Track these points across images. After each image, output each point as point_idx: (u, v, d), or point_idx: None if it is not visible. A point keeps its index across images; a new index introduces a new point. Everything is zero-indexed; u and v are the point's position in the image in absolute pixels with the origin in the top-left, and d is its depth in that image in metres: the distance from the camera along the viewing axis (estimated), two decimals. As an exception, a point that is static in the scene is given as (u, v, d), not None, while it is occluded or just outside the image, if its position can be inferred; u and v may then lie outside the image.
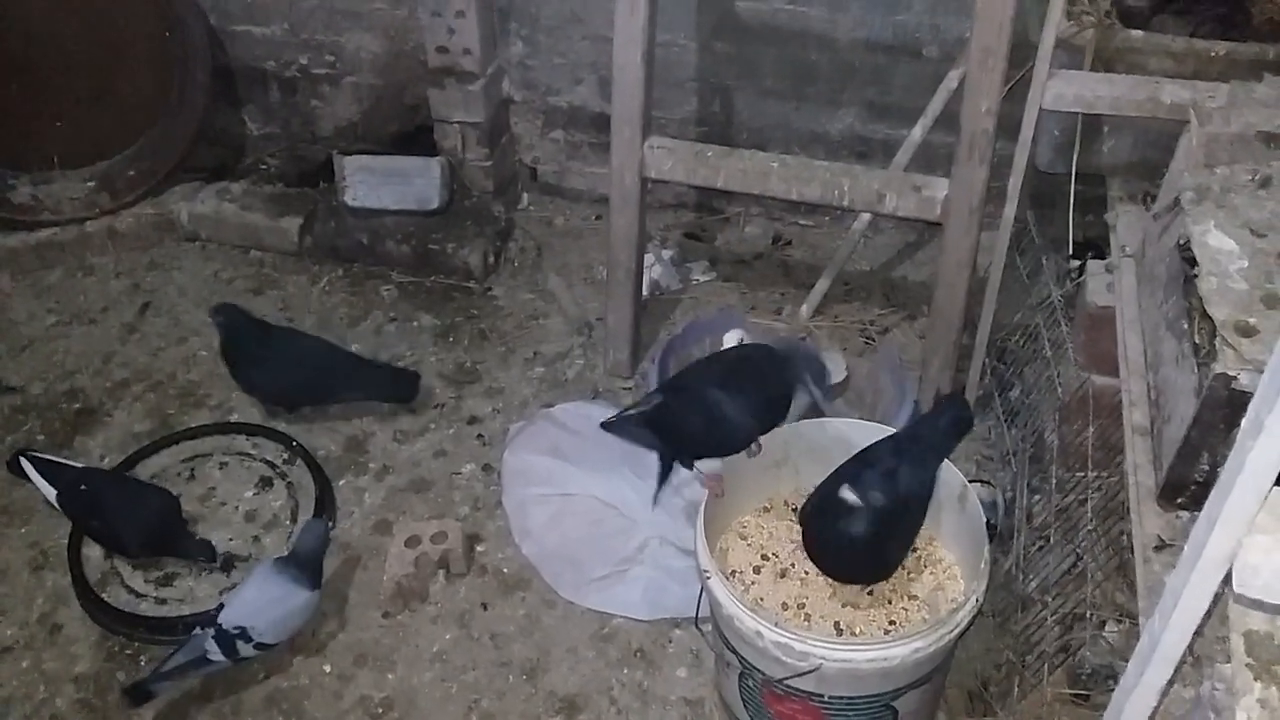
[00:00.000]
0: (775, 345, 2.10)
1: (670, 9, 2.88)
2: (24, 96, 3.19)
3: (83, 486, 2.38)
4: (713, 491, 2.00)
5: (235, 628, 2.09)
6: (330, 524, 2.46)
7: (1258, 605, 1.01)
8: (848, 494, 1.75)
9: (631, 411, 2.12)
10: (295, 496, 2.56)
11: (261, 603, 2.13)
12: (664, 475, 2.12)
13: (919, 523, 1.93)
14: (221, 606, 2.14)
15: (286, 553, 2.25)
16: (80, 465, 2.50)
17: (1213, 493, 0.91)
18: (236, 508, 2.55)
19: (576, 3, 3.05)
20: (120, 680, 2.23)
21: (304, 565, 2.19)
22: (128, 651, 2.29)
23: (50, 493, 2.39)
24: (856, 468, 1.88)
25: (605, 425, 2.15)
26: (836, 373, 2.52)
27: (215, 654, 2.08)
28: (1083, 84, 2.10)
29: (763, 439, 2.01)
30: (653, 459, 2.42)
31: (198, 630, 2.10)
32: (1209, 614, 1.04)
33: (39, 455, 2.47)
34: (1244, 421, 0.86)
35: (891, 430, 2.04)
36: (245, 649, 2.11)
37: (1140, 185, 2.20)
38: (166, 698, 2.19)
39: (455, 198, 3.27)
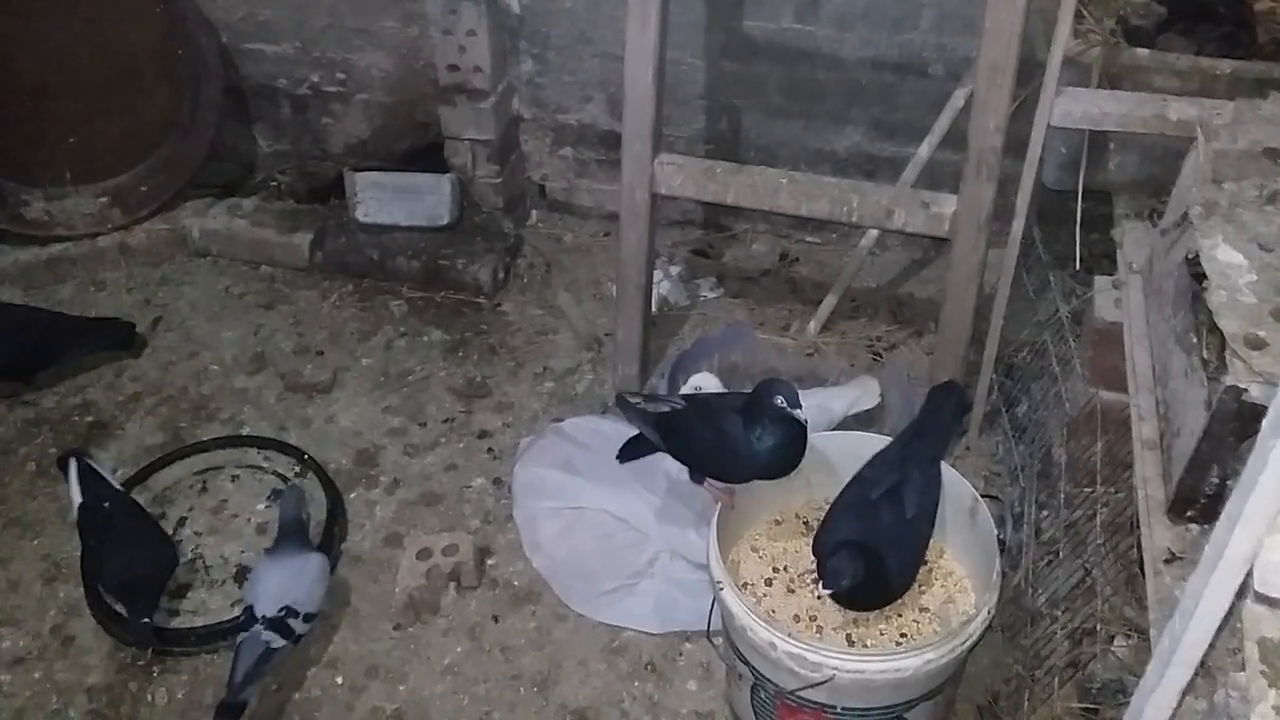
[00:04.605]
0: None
1: (679, 28, 2.91)
2: (38, 113, 3.23)
3: (105, 504, 2.38)
4: (724, 505, 2.02)
5: (280, 609, 2.12)
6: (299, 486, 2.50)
7: (1279, 605, 1.02)
8: (889, 560, 1.77)
9: (649, 408, 2.14)
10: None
11: (287, 580, 2.18)
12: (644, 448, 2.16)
13: (931, 532, 1.96)
14: (250, 607, 2.14)
15: (272, 542, 2.30)
16: (118, 488, 2.46)
17: (1234, 493, 0.93)
18: (249, 520, 2.56)
19: (586, 22, 3.09)
20: (132, 690, 2.24)
21: (294, 534, 2.29)
22: (140, 663, 2.29)
23: (76, 501, 2.38)
24: (874, 506, 1.90)
25: (620, 401, 2.20)
26: (869, 399, 2.55)
27: (276, 641, 2.10)
28: (1090, 101, 2.12)
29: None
30: (662, 475, 2.45)
31: (244, 633, 2.11)
32: (1226, 620, 1.05)
33: (90, 463, 2.46)
34: (1265, 422, 0.88)
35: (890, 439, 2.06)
36: (298, 625, 2.14)
37: (1146, 202, 2.22)
38: (179, 708, 2.20)
39: (465, 214, 3.29)
